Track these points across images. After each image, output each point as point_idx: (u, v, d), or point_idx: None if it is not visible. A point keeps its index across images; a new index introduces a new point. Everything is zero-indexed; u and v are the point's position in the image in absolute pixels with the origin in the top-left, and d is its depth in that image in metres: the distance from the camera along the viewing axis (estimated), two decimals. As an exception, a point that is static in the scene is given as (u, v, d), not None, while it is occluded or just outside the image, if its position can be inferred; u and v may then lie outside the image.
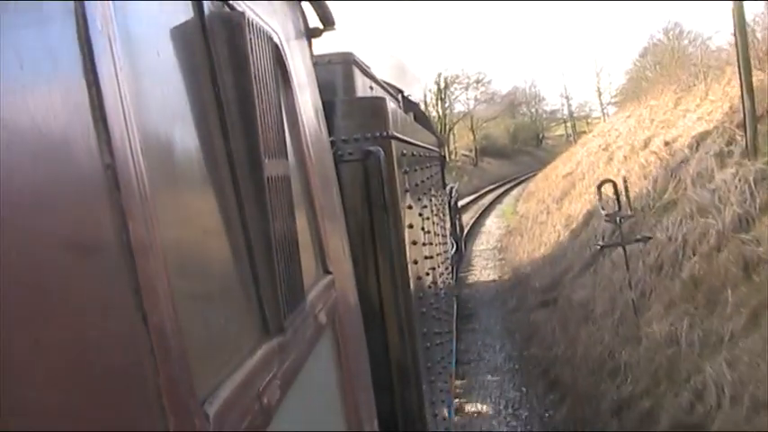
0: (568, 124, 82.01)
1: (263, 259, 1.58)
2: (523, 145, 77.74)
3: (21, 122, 0.80)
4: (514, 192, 43.28)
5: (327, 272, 2.41)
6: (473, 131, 66.82)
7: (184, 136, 1.36)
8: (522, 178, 50.58)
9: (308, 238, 2.27)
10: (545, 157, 69.33)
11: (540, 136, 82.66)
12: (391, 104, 4.26)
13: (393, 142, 3.76)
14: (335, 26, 3.22)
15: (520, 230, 24.09)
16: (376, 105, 3.84)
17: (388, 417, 3.58)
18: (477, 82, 70.38)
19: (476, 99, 71.77)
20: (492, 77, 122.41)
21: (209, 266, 1.41)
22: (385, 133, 3.68)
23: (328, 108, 3.44)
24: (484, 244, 26.53)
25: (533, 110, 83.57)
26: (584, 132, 46.17)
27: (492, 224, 31.62)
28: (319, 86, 3.03)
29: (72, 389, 0.81)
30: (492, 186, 49.01)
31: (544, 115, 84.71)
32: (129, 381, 0.95)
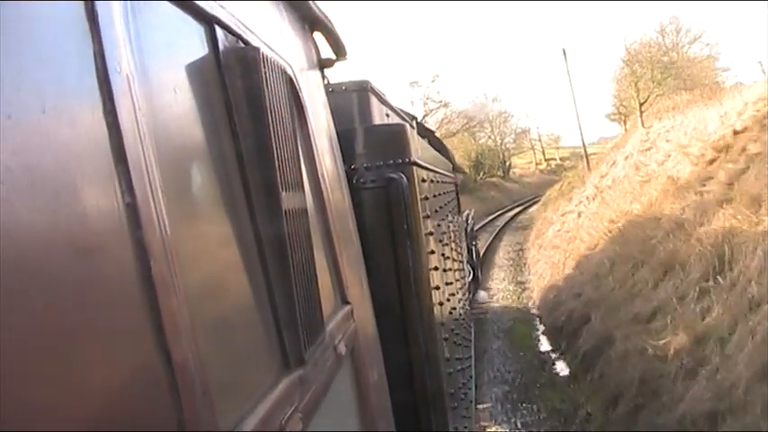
0: (537, 150, 70.78)
1: (282, 292, 1.58)
2: (488, 175, 59.72)
3: (44, 165, 0.81)
4: (501, 254, 27.40)
5: (346, 302, 2.41)
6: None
7: (202, 172, 1.37)
8: (498, 222, 37.35)
9: (326, 268, 2.27)
10: (518, 192, 54.18)
11: (507, 164, 66.50)
12: (410, 131, 4.29)
13: (414, 169, 3.78)
14: (347, 56, 3.24)
15: None
16: (397, 132, 3.87)
17: None
18: (433, 81, 52.26)
19: (427, 101, 51.96)
20: (447, 81, 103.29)
21: (230, 301, 1.41)
22: (407, 160, 3.70)
23: (350, 136, 3.47)
24: None
25: (497, 132, 66.02)
26: (594, 154, 35.75)
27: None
28: (336, 114, 3.05)
29: (97, 426, 0.81)
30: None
31: (513, 136, 69.49)
32: (153, 417, 0.95)
